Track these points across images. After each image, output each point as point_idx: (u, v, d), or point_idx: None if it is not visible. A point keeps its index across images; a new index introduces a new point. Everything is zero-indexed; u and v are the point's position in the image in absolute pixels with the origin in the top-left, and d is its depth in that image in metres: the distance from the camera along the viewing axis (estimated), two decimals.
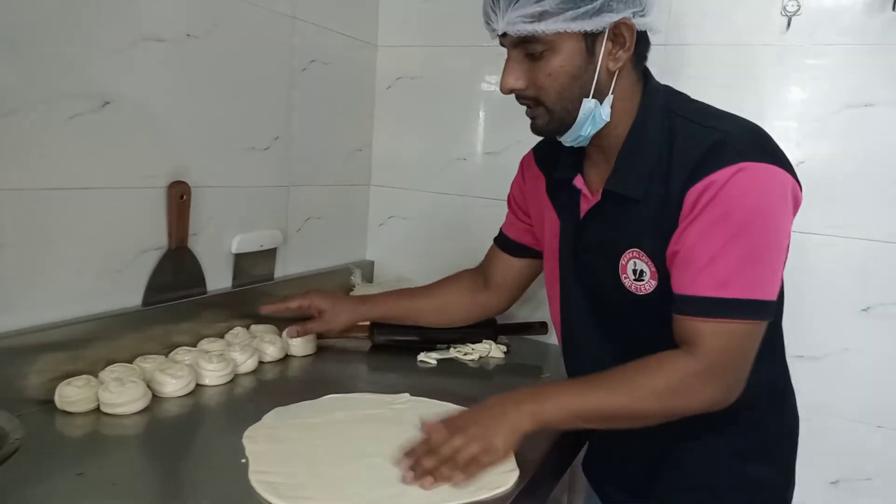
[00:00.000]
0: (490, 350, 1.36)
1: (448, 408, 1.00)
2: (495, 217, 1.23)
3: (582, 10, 0.79)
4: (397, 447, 0.86)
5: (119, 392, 0.93)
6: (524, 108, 0.89)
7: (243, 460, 0.82)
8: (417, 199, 1.67)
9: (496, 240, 1.21)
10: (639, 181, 0.85)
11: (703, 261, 0.79)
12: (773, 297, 0.81)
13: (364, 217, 1.74)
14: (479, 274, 1.23)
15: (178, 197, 1.13)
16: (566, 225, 0.99)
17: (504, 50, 0.86)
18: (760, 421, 0.93)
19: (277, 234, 1.40)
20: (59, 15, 0.93)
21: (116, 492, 0.74)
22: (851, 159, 1.22)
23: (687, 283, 0.81)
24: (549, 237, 1.04)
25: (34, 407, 0.93)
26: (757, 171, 0.78)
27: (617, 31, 0.82)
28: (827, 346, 1.23)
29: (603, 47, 0.82)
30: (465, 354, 1.33)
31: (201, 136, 1.19)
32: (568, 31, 0.79)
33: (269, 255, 1.40)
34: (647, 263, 0.87)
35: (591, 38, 0.82)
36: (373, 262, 1.75)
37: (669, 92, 0.90)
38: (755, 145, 0.81)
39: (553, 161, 1.01)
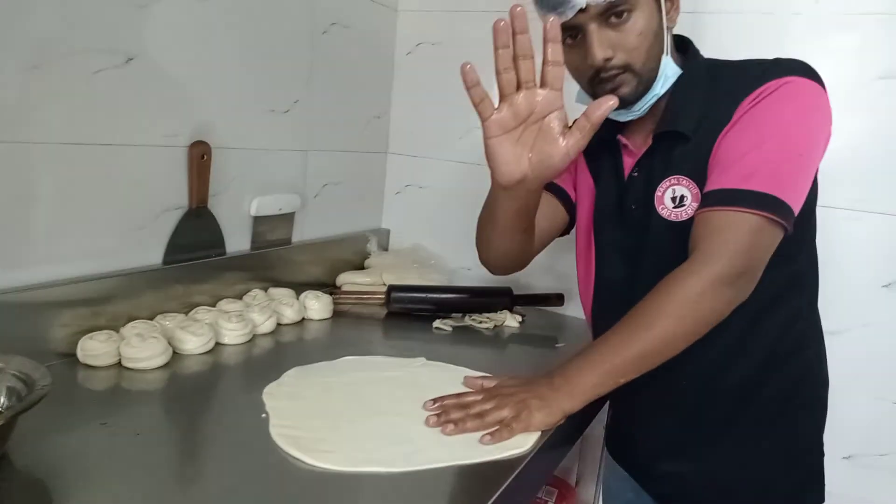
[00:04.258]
0: (505, 319, 1.36)
1: (465, 373, 1.01)
2: None
3: None
4: (414, 407, 0.87)
5: (141, 347, 0.94)
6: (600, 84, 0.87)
7: (263, 415, 0.83)
8: (435, 167, 1.66)
9: None
10: (689, 119, 0.88)
11: (735, 157, 0.82)
12: (794, 205, 0.80)
13: (381, 184, 1.74)
14: None
15: (199, 157, 1.13)
16: (603, 189, 0.99)
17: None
18: (802, 377, 0.94)
19: (296, 198, 1.40)
20: None
21: (140, 441, 0.75)
22: (880, 133, 1.20)
23: (715, 179, 0.83)
24: (581, 204, 1.04)
25: (57, 359, 0.94)
26: (803, 85, 0.82)
27: None
28: (846, 321, 1.22)
29: (663, 5, 0.86)
30: (480, 323, 1.34)
31: (223, 96, 1.19)
32: None
33: (288, 219, 1.40)
34: (688, 187, 0.87)
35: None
36: (388, 231, 1.75)
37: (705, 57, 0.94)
38: (803, 68, 0.84)
39: None
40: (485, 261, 1.08)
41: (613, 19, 0.83)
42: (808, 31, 1.23)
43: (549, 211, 1.07)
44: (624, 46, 0.84)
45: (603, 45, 0.83)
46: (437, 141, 1.65)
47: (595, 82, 0.87)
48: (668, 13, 0.86)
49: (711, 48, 0.98)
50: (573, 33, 0.86)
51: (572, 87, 0.92)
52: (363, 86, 1.60)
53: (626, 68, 0.85)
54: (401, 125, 1.71)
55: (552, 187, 1.08)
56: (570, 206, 1.09)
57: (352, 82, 1.55)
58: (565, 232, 1.12)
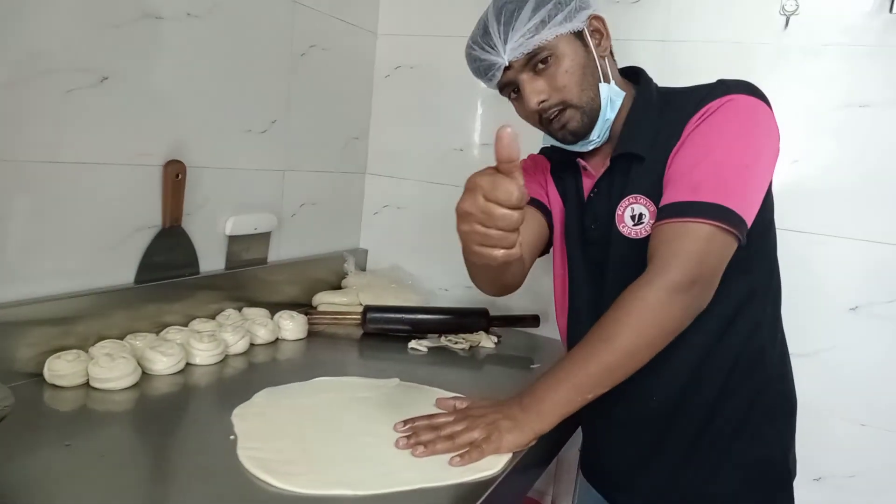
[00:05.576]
0: (481, 340, 1.37)
1: (439, 394, 1.01)
2: None
3: (565, 11, 0.89)
4: (386, 428, 0.86)
5: (109, 367, 0.93)
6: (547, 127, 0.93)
7: (232, 437, 0.82)
8: (413, 189, 1.67)
9: None
10: (643, 141, 0.92)
11: (683, 172, 0.86)
12: (745, 215, 0.82)
13: (359, 205, 1.74)
14: None
15: (174, 176, 1.13)
16: (569, 210, 1.03)
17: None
18: (765, 390, 0.95)
19: (272, 217, 1.40)
20: None
21: (104, 463, 0.74)
22: (845, 160, 1.23)
23: (667, 195, 0.86)
24: (554, 224, 1.06)
25: (23, 379, 0.92)
26: (746, 101, 0.87)
27: (591, 26, 0.92)
28: (815, 344, 1.24)
29: (590, 40, 0.92)
30: (456, 343, 1.34)
31: (199, 116, 1.19)
32: (562, 33, 0.89)
33: (263, 238, 1.40)
34: (645, 205, 0.91)
35: (578, 35, 0.91)
36: (366, 251, 1.75)
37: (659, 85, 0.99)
38: (746, 86, 0.89)
39: (554, 150, 1.05)
40: (485, 293, 1.10)
41: (539, 66, 0.90)
42: (775, 61, 1.26)
43: (534, 224, 1.05)
44: (555, 87, 0.90)
45: (536, 91, 0.90)
46: (414, 162, 1.66)
47: (543, 123, 0.93)
48: (599, 44, 0.93)
49: (680, 76, 1.01)
50: (514, 88, 0.93)
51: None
52: (342, 107, 1.61)
53: (564, 105, 0.91)
54: (379, 146, 1.72)
55: (531, 201, 1.05)
56: (549, 217, 1.08)
57: (330, 103, 1.56)
58: (547, 249, 1.11)
